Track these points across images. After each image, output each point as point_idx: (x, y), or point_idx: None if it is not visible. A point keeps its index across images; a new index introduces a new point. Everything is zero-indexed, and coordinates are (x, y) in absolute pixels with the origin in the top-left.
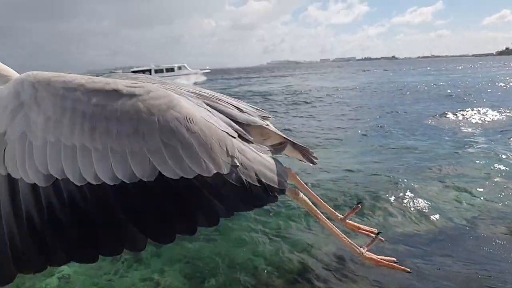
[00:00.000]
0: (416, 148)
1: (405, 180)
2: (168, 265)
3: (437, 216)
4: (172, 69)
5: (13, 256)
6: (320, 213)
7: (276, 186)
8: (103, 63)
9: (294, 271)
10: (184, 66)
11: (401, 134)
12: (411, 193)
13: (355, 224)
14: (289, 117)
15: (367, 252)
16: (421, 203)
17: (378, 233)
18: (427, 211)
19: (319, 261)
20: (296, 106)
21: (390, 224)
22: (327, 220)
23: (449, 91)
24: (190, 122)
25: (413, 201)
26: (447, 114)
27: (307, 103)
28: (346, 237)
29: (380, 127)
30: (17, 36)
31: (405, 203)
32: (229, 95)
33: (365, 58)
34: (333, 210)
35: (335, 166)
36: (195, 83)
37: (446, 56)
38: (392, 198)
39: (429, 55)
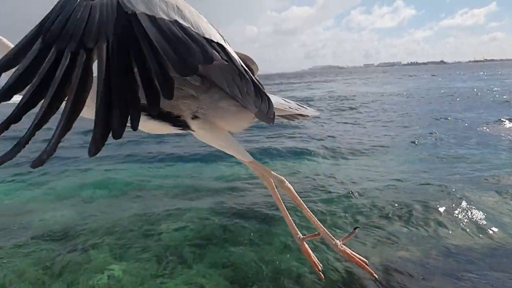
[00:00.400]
0: (469, 157)
1: (458, 190)
2: (211, 268)
3: (494, 229)
4: None
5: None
6: (303, 203)
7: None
8: None
9: (339, 280)
10: None
11: (453, 142)
12: (465, 203)
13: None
14: (333, 123)
15: (342, 245)
16: (476, 214)
17: (356, 228)
18: (482, 223)
19: (365, 272)
20: (340, 112)
21: (442, 236)
22: (309, 210)
23: (505, 97)
24: None
25: (467, 212)
26: (503, 121)
27: (351, 109)
28: (324, 228)
29: (430, 134)
30: None
31: (458, 214)
32: None
33: (411, 62)
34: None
35: (382, 175)
36: None
37: (501, 60)
38: (444, 209)
39: (481, 59)
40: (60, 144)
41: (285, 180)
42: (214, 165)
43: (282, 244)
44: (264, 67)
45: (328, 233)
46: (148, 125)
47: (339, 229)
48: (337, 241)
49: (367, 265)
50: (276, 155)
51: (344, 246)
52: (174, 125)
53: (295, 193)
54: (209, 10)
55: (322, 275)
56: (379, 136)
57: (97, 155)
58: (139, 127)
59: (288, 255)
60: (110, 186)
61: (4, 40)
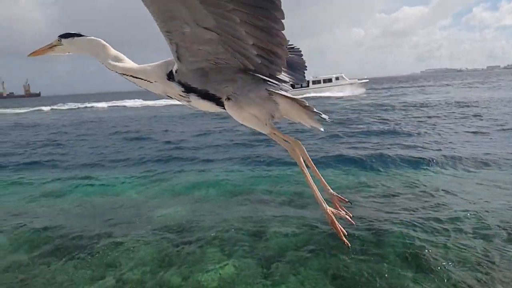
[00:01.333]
0: None
1: None
2: (320, 276)
3: None
4: (329, 80)
5: None
6: (305, 168)
7: None
8: None
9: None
10: (342, 77)
11: None
12: None
13: (338, 202)
14: (452, 132)
15: (331, 210)
16: None
17: (348, 201)
18: None
19: None
20: (459, 119)
21: None
22: (309, 175)
23: None
24: None
25: None
26: None
27: (474, 116)
28: (319, 193)
29: None
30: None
31: None
32: (380, 105)
33: None
34: (327, 185)
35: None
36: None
37: None
38: None
39: None
40: (177, 145)
41: (299, 142)
42: (322, 172)
43: (396, 258)
44: (371, 71)
45: (322, 199)
46: (200, 104)
47: (467, 250)
48: (328, 207)
49: (344, 235)
50: (389, 163)
51: (332, 213)
52: (217, 104)
53: (307, 154)
54: (315, 14)
55: (347, 242)
56: (509, 147)
57: (211, 157)
58: (195, 105)
59: (402, 271)
60: (222, 187)
61: (102, 41)
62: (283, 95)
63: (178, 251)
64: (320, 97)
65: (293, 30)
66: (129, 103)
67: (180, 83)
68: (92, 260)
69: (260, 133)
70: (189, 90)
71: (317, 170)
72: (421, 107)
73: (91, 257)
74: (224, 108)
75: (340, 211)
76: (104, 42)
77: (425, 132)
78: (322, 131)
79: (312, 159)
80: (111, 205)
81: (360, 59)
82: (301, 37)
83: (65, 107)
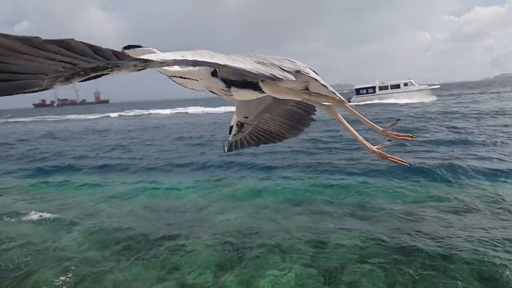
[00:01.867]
0: None
1: None
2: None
3: None
4: (397, 86)
5: None
6: (344, 120)
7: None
8: None
9: None
10: (411, 82)
11: None
12: None
13: (393, 133)
14: None
15: (376, 149)
16: None
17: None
18: None
19: None
20: None
21: None
22: (349, 124)
23: None
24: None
25: None
26: None
27: None
28: (359, 135)
29: None
30: None
31: None
32: (449, 113)
33: None
34: (374, 125)
35: None
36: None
37: None
38: None
39: None
40: (238, 151)
41: (331, 105)
42: (386, 183)
43: (471, 277)
44: (439, 77)
45: (364, 140)
46: (240, 94)
47: None
48: (372, 147)
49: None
50: (461, 174)
51: (378, 150)
52: (254, 90)
53: (349, 107)
54: (378, 21)
55: (406, 163)
56: None
57: (270, 164)
58: (236, 97)
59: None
60: (281, 194)
61: (155, 50)
62: (308, 74)
63: (238, 257)
64: (384, 103)
65: (355, 36)
66: (191, 109)
67: (222, 79)
68: (156, 261)
69: (321, 142)
70: (229, 84)
71: (365, 119)
72: (496, 115)
73: (155, 259)
74: (262, 92)
75: (391, 157)
76: (157, 50)
77: (502, 142)
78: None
79: (375, 168)
80: (175, 208)
81: (426, 64)
82: (362, 42)
83: (131, 113)
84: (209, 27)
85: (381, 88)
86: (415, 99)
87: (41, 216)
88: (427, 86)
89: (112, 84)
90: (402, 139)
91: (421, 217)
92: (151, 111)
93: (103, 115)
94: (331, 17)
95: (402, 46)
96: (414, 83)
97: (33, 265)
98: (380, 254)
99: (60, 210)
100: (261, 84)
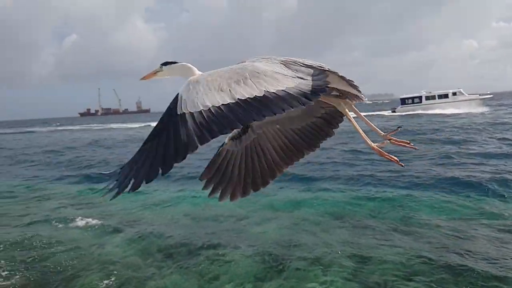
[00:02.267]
0: None
1: None
2: None
3: None
4: (445, 95)
5: None
6: (350, 115)
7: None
8: None
9: None
10: (460, 92)
11: None
12: None
13: (393, 138)
14: None
15: (375, 146)
16: None
17: (399, 127)
18: None
19: None
20: None
21: None
22: (354, 120)
23: None
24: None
25: None
26: None
27: None
28: (363, 132)
29: None
30: None
31: None
32: (499, 124)
33: None
34: (377, 128)
35: None
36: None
37: None
38: None
39: None
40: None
41: (345, 100)
42: (432, 197)
43: None
44: (486, 86)
45: (366, 137)
46: None
47: None
48: (372, 144)
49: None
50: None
51: (377, 147)
52: None
53: (354, 106)
54: (421, 28)
55: (401, 163)
56: None
57: (310, 175)
58: None
59: None
60: (322, 207)
61: (189, 65)
62: (332, 71)
63: (278, 269)
64: (429, 114)
65: (395, 44)
66: None
67: None
68: (196, 270)
69: (362, 153)
70: None
71: (366, 119)
72: None
73: (195, 267)
74: None
75: (387, 156)
76: (190, 65)
77: None
78: (366, 101)
79: (420, 181)
80: (214, 217)
81: (471, 73)
82: (403, 50)
83: None
84: (246, 35)
85: (427, 98)
86: (463, 109)
87: (87, 222)
88: (477, 96)
89: (153, 94)
90: (401, 145)
91: (471, 234)
92: None
93: (145, 124)
94: (370, 25)
95: (446, 55)
96: (463, 92)
97: (79, 268)
98: (426, 272)
99: (105, 216)
100: None
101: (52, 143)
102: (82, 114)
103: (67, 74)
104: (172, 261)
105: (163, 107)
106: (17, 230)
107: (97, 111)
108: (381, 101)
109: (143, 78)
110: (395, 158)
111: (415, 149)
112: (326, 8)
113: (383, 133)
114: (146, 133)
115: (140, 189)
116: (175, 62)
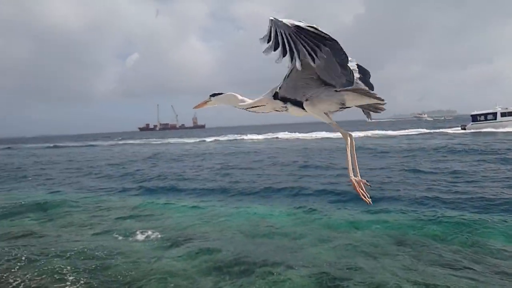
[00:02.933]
0: None
1: None
2: None
3: None
4: None
5: None
6: (349, 151)
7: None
8: (410, 108)
9: None
10: None
11: None
12: None
13: (355, 183)
14: None
15: (354, 179)
16: None
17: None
18: None
19: None
20: None
21: None
22: (349, 156)
23: None
24: None
25: None
26: None
27: None
28: (351, 168)
29: None
30: None
31: None
32: None
33: None
34: (351, 169)
35: None
36: None
37: None
38: None
39: None
40: (335, 178)
41: (351, 134)
42: (507, 222)
43: None
44: None
45: (351, 172)
46: (293, 109)
47: None
48: (353, 177)
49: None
50: None
51: (354, 181)
52: (302, 108)
53: (354, 144)
54: (487, 37)
55: (369, 201)
56: None
57: (372, 194)
58: (291, 112)
59: None
60: (382, 228)
61: (233, 93)
62: (348, 89)
63: None
64: (504, 132)
65: (457, 57)
66: (281, 135)
67: (281, 98)
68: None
69: (424, 172)
70: (286, 101)
71: (355, 158)
72: None
73: (250, 285)
74: (305, 110)
75: (361, 190)
76: (235, 93)
77: None
78: (385, 104)
79: (492, 203)
80: (269, 234)
81: None
82: (467, 64)
83: (226, 138)
84: None
85: (503, 115)
86: None
87: (146, 234)
88: None
89: (209, 110)
90: (357, 191)
91: None
92: (244, 136)
93: (200, 139)
94: (430, 37)
95: None
96: None
97: (138, 279)
98: None
99: (163, 229)
100: (305, 104)
101: (115, 157)
102: (141, 129)
103: (128, 91)
104: (228, 276)
105: (217, 123)
106: (81, 240)
107: (155, 126)
108: (443, 118)
109: (196, 107)
110: (364, 194)
111: (370, 203)
112: (382, 21)
113: (352, 176)
114: (201, 149)
115: (196, 202)
116: (221, 93)
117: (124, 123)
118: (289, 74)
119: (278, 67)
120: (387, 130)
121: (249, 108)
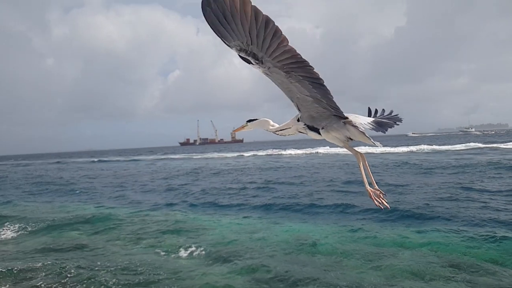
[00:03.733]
0: None
1: None
2: None
3: None
4: None
5: None
6: (362, 167)
7: None
8: (456, 122)
9: None
10: None
11: None
12: None
13: (371, 193)
14: None
15: (370, 189)
16: None
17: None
18: None
19: None
20: None
21: None
22: (363, 171)
23: None
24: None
25: None
26: None
27: None
28: (366, 180)
29: None
30: (380, 100)
31: None
32: None
33: None
34: (366, 180)
35: None
36: None
37: None
38: None
39: None
40: (371, 204)
41: (363, 154)
42: None
43: None
44: None
45: (366, 182)
46: (311, 133)
47: None
48: (369, 187)
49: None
50: None
51: (370, 191)
52: (318, 133)
53: (366, 162)
54: None
55: (387, 206)
56: None
57: (419, 212)
58: (310, 135)
59: None
60: (432, 249)
61: (265, 118)
62: (352, 124)
63: None
64: None
65: (510, 67)
66: (321, 149)
67: (305, 124)
68: None
69: (475, 190)
70: (307, 127)
71: (370, 171)
72: None
73: None
74: (320, 135)
75: (376, 198)
76: (267, 119)
77: None
78: (380, 146)
79: None
80: (311, 252)
81: None
82: None
83: (264, 152)
84: (341, 66)
85: None
86: None
87: (189, 250)
88: None
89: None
90: (372, 199)
91: None
92: (282, 151)
93: (238, 154)
94: (478, 48)
95: None
96: None
97: None
98: None
99: (206, 245)
100: (321, 131)
101: (157, 171)
102: (182, 144)
103: (169, 107)
104: None
105: (255, 137)
106: (126, 254)
107: (195, 141)
108: (493, 132)
109: (235, 131)
110: (379, 202)
111: (385, 208)
112: (425, 33)
113: (368, 187)
114: (240, 163)
115: (238, 217)
116: (256, 119)
117: (165, 138)
118: (298, 105)
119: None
120: (432, 145)
121: (277, 131)
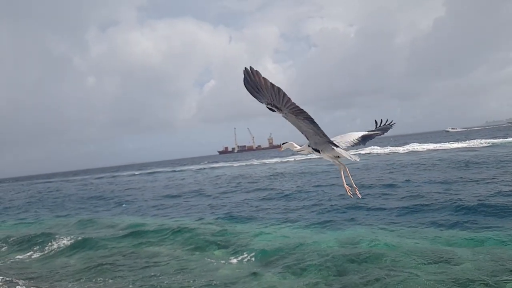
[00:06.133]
0: None
1: None
2: None
3: None
4: None
5: None
6: (343, 175)
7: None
8: (504, 114)
9: None
10: None
11: None
12: None
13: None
14: None
15: (346, 186)
16: None
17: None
18: None
19: None
20: None
21: None
22: (343, 176)
23: None
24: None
25: None
26: None
27: None
28: (344, 180)
29: None
30: (421, 96)
31: None
32: None
33: None
34: (351, 182)
35: None
36: None
37: None
38: None
39: None
40: (422, 196)
41: (344, 165)
42: None
43: None
44: None
45: (345, 184)
46: (316, 154)
47: None
48: (348, 187)
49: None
50: None
51: (347, 189)
52: (319, 153)
53: (347, 170)
54: None
55: (349, 194)
56: None
57: (477, 218)
58: (314, 154)
59: None
60: (492, 258)
61: (293, 142)
62: (336, 148)
63: None
64: None
65: None
66: (367, 149)
67: (312, 147)
68: None
69: None
70: (313, 149)
71: (350, 175)
72: None
73: None
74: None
75: (351, 192)
76: (293, 142)
77: None
78: (357, 162)
79: None
80: (368, 258)
81: None
82: None
83: (303, 157)
84: (377, 63)
85: None
86: None
87: (239, 258)
88: None
89: (285, 129)
90: (346, 191)
91: None
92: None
93: (278, 159)
94: None
95: None
96: None
97: None
98: None
99: (256, 253)
100: (321, 152)
101: (202, 180)
102: (221, 152)
103: (206, 117)
104: None
105: (293, 140)
106: (178, 262)
107: (233, 148)
108: None
109: (279, 150)
110: (349, 191)
111: (355, 196)
112: (467, 22)
113: (351, 192)
114: (279, 168)
115: (279, 223)
116: (287, 142)
117: (204, 147)
118: (306, 135)
119: (357, 79)
120: (478, 139)
121: (299, 151)
